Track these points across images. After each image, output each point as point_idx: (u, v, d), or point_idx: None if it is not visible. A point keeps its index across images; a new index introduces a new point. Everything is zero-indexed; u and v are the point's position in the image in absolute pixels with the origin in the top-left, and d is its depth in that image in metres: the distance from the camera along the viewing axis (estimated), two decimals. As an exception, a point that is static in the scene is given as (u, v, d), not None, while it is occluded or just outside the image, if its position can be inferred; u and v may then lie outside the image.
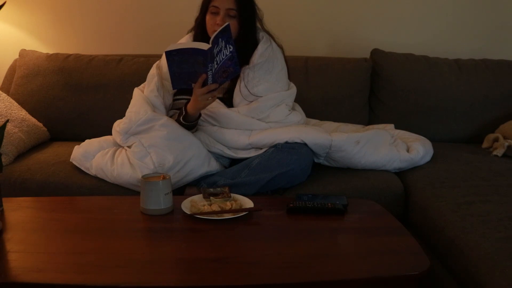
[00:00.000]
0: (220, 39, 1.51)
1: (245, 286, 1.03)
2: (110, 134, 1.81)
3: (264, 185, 1.62)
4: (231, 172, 1.66)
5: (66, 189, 1.66)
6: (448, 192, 1.58)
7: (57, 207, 1.42)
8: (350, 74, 2.21)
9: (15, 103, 2.03)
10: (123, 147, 1.71)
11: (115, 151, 1.71)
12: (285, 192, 1.68)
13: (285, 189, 1.69)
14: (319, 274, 1.06)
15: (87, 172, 1.71)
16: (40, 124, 2.06)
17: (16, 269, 1.06)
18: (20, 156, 1.85)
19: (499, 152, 1.94)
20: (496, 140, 2.04)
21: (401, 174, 1.83)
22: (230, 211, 1.33)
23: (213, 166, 1.68)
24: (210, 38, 1.51)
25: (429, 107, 2.20)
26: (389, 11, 2.45)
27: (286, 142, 1.68)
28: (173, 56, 1.50)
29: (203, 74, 1.54)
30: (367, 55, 2.33)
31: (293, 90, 1.89)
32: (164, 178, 1.36)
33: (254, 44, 1.80)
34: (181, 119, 1.69)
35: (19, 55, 2.25)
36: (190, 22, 1.84)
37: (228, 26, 1.53)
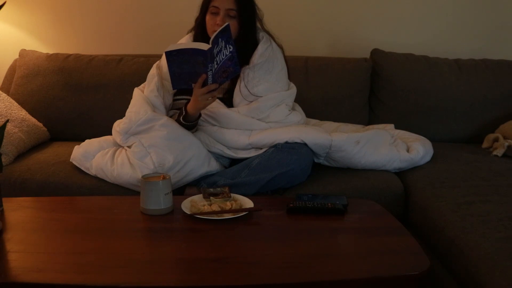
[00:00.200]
0: (220, 39, 1.51)
1: (245, 286, 1.03)
2: (110, 134, 1.81)
3: (264, 185, 1.62)
4: (231, 172, 1.66)
5: (66, 189, 1.66)
6: (448, 192, 1.58)
7: (57, 207, 1.42)
8: (350, 74, 2.21)
9: (15, 103, 2.03)
10: (123, 147, 1.71)
11: (115, 151, 1.71)
12: (285, 192, 1.68)
13: (285, 189, 1.69)
14: (319, 274, 1.06)
15: (87, 172, 1.71)
16: (40, 124, 2.06)
17: (16, 269, 1.06)
18: (20, 156, 1.85)
19: (499, 152, 1.94)
20: (496, 140, 2.04)
21: (401, 174, 1.83)
22: (230, 211, 1.33)
23: (213, 166, 1.68)
24: (210, 38, 1.51)
25: (429, 107, 2.20)
26: (389, 11, 2.46)
27: (286, 142, 1.68)
28: (173, 56, 1.50)
29: (203, 74, 1.54)
30: (367, 55, 2.33)
31: (293, 90, 1.89)
32: (164, 178, 1.36)
33: (254, 44, 1.80)
34: (181, 119, 1.69)
35: (19, 55, 2.25)
36: (190, 22, 1.84)
37: (228, 26, 1.53)
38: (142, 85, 1.86)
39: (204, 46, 1.48)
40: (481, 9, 2.45)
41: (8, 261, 1.08)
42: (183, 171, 1.61)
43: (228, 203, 1.37)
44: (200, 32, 1.78)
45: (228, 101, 1.80)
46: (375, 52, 2.29)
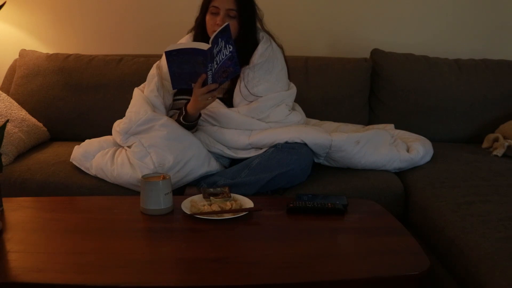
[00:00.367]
0: (219, 39, 1.51)
1: (245, 286, 1.03)
2: (110, 134, 1.81)
3: (264, 185, 1.62)
4: (231, 172, 1.66)
5: (66, 189, 1.66)
6: (448, 192, 1.58)
7: (57, 207, 1.42)
8: (350, 74, 2.21)
9: (15, 103, 2.03)
10: (123, 147, 1.71)
11: (115, 151, 1.71)
12: (285, 192, 1.68)
13: (285, 189, 1.69)
14: (319, 274, 1.06)
15: (87, 172, 1.71)
16: (40, 124, 2.06)
17: (16, 269, 1.06)
18: (20, 156, 1.85)
19: (499, 152, 1.94)
20: (496, 140, 2.04)
21: (401, 174, 1.83)
22: (230, 211, 1.33)
23: (213, 166, 1.68)
24: (210, 38, 1.51)
25: (429, 107, 2.20)
26: (389, 11, 2.45)
27: (286, 142, 1.68)
28: (173, 56, 1.50)
29: (203, 74, 1.54)
30: (367, 55, 2.33)
31: (293, 90, 1.89)
32: (164, 178, 1.36)
33: (254, 44, 1.80)
34: (181, 119, 1.69)
35: (19, 55, 2.25)
36: (190, 22, 1.84)
37: (227, 26, 1.53)
38: (142, 85, 1.86)
39: (204, 46, 1.48)
40: (481, 9, 2.45)
41: (8, 261, 1.08)
42: (183, 171, 1.61)
43: (228, 203, 1.37)
44: (200, 32, 1.78)
45: (228, 101, 1.80)
46: (375, 52, 2.29)
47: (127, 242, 1.19)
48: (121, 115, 1.76)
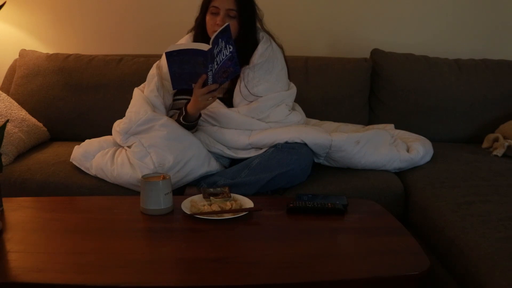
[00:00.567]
0: (220, 40, 1.51)
1: (245, 286, 1.03)
2: (110, 134, 1.81)
3: (264, 185, 1.62)
4: (231, 172, 1.66)
5: (66, 189, 1.66)
6: (448, 192, 1.58)
7: (57, 207, 1.42)
8: (350, 74, 2.21)
9: (15, 103, 2.03)
10: (123, 147, 1.71)
11: (115, 151, 1.71)
12: (285, 192, 1.68)
13: (285, 189, 1.69)
14: (319, 274, 1.06)
15: (87, 172, 1.71)
16: (40, 124, 2.06)
17: (16, 269, 1.06)
18: (20, 156, 1.85)
19: (499, 152, 1.94)
20: (496, 140, 2.04)
21: (401, 174, 1.83)
22: (230, 211, 1.33)
23: (213, 166, 1.68)
24: (210, 38, 1.51)
25: (429, 107, 2.20)
26: (389, 11, 2.45)
27: (286, 142, 1.68)
28: (174, 57, 1.50)
29: (203, 74, 1.54)
30: (367, 55, 2.33)
31: (293, 90, 1.89)
32: (164, 178, 1.36)
33: (254, 44, 1.79)
34: (181, 119, 1.69)
35: (19, 55, 2.25)
36: (190, 22, 1.84)
37: (228, 26, 1.53)
38: (142, 85, 1.86)
39: (204, 47, 1.48)
40: (481, 9, 2.45)
41: (8, 261, 1.08)
42: (183, 171, 1.61)
43: (228, 203, 1.37)
44: (200, 32, 1.78)
45: (228, 101, 1.80)
46: (375, 52, 2.29)
47: (127, 242, 1.19)
48: (121, 115, 1.76)
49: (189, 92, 1.65)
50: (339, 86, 2.19)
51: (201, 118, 1.75)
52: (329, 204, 1.38)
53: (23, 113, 2.00)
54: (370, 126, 2.13)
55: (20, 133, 1.89)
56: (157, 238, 1.24)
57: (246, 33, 1.76)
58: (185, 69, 1.54)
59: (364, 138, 1.77)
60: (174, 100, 1.84)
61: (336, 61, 2.25)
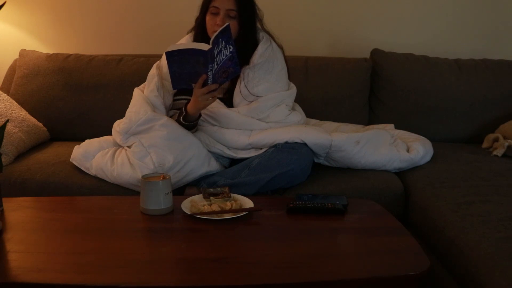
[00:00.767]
0: (220, 40, 1.51)
1: (245, 286, 1.03)
2: (110, 134, 1.81)
3: (264, 185, 1.62)
4: (231, 172, 1.66)
5: (66, 189, 1.66)
6: (448, 192, 1.58)
7: (57, 207, 1.42)
8: (350, 74, 2.21)
9: (15, 103, 2.03)
10: (123, 147, 1.71)
11: (115, 151, 1.71)
12: (285, 192, 1.68)
13: (285, 189, 1.69)
14: (319, 274, 1.06)
15: (87, 172, 1.71)
16: (40, 124, 2.06)
17: (16, 269, 1.06)
18: (20, 156, 1.85)
19: (499, 152, 1.94)
20: (496, 140, 2.04)
21: (401, 174, 1.83)
22: (230, 211, 1.32)
23: (213, 166, 1.68)
24: (210, 38, 1.51)
25: (429, 107, 2.20)
26: (389, 11, 2.46)
27: (286, 142, 1.68)
28: (174, 57, 1.50)
29: (204, 74, 1.54)
30: (367, 55, 2.33)
31: (293, 90, 1.89)
32: (164, 178, 1.36)
33: (254, 44, 1.80)
34: (181, 119, 1.69)
35: (19, 55, 2.25)
36: (190, 22, 1.84)
37: (228, 26, 1.53)
38: (142, 85, 1.86)
39: (204, 47, 1.48)
40: (481, 9, 2.45)
41: (8, 261, 1.08)
42: (183, 171, 1.61)
43: (228, 203, 1.37)
44: (200, 32, 1.78)
45: (228, 101, 1.80)
46: (375, 52, 2.29)
47: (127, 242, 1.19)
48: (121, 115, 1.76)
49: (189, 92, 1.65)
50: (339, 86, 2.19)
51: (201, 118, 1.75)
52: (329, 204, 1.38)
53: (23, 113, 2.00)
54: (370, 126, 2.13)
55: (20, 133, 1.89)
56: (157, 238, 1.24)
57: (246, 33, 1.76)
58: (185, 69, 1.54)
59: (364, 138, 1.77)
60: (174, 100, 1.84)
61: (336, 61, 2.25)
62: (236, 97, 1.79)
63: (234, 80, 1.78)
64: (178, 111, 1.76)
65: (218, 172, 1.68)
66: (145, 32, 2.44)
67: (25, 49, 2.26)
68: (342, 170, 1.79)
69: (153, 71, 1.84)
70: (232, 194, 1.44)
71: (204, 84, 1.57)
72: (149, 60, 2.15)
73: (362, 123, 2.20)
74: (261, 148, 1.71)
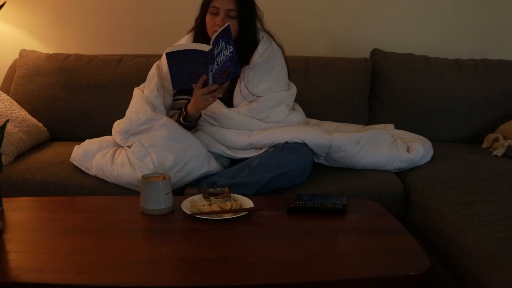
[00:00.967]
0: (220, 40, 1.51)
1: (245, 286, 1.03)
2: (110, 134, 1.81)
3: (264, 185, 1.62)
4: (231, 172, 1.66)
5: (66, 189, 1.66)
6: (448, 192, 1.58)
7: (57, 207, 1.42)
8: (350, 74, 2.21)
9: (15, 103, 2.03)
10: (123, 147, 1.71)
11: (115, 151, 1.71)
12: (285, 192, 1.68)
13: (285, 189, 1.69)
14: (319, 274, 1.06)
15: (87, 172, 1.72)
16: (40, 124, 2.06)
17: (16, 269, 1.06)
18: (20, 156, 1.85)
19: (499, 152, 1.94)
20: (496, 140, 2.04)
21: (401, 174, 1.83)
22: (230, 211, 1.32)
23: (213, 166, 1.68)
24: (210, 38, 1.51)
25: (429, 107, 2.20)
26: (389, 11, 2.46)
27: (286, 142, 1.68)
28: (174, 58, 1.50)
29: (204, 75, 1.54)
30: (367, 55, 2.33)
31: (293, 90, 1.89)
32: (164, 178, 1.36)
33: (254, 44, 1.80)
34: (181, 119, 1.69)
35: (19, 55, 2.25)
36: (190, 22, 1.84)
37: (228, 26, 1.53)
38: (142, 85, 1.86)
39: (205, 47, 1.48)
40: (481, 9, 2.45)
41: (8, 261, 1.08)
42: (183, 171, 1.61)
43: (228, 203, 1.37)
44: (200, 32, 1.78)
45: (228, 101, 1.80)
46: (375, 52, 2.29)
47: (127, 242, 1.19)
48: (121, 115, 1.76)
49: (189, 92, 1.65)
50: (339, 86, 2.19)
51: (201, 118, 1.75)
52: (329, 204, 1.38)
53: (23, 113, 2.00)
54: (370, 126, 2.13)
55: (20, 133, 1.89)
56: (157, 238, 1.24)
57: (246, 33, 1.76)
58: (185, 70, 1.54)
59: (364, 138, 1.77)
60: (174, 100, 1.84)
61: (336, 61, 2.25)
62: (236, 97, 1.79)
63: (234, 80, 1.78)
64: (178, 111, 1.76)
65: (218, 172, 1.68)
66: (145, 32, 2.44)
67: (25, 49, 2.26)
68: (342, 170, 1.79)
69: (153, 71, 1.84)
70: (232, 194, 1.44)
71: (204, 84, 1.57)
72: (149, 60, 2.15)
73: (362, 123, 2.20)
74: (261, 148, 1.71)
